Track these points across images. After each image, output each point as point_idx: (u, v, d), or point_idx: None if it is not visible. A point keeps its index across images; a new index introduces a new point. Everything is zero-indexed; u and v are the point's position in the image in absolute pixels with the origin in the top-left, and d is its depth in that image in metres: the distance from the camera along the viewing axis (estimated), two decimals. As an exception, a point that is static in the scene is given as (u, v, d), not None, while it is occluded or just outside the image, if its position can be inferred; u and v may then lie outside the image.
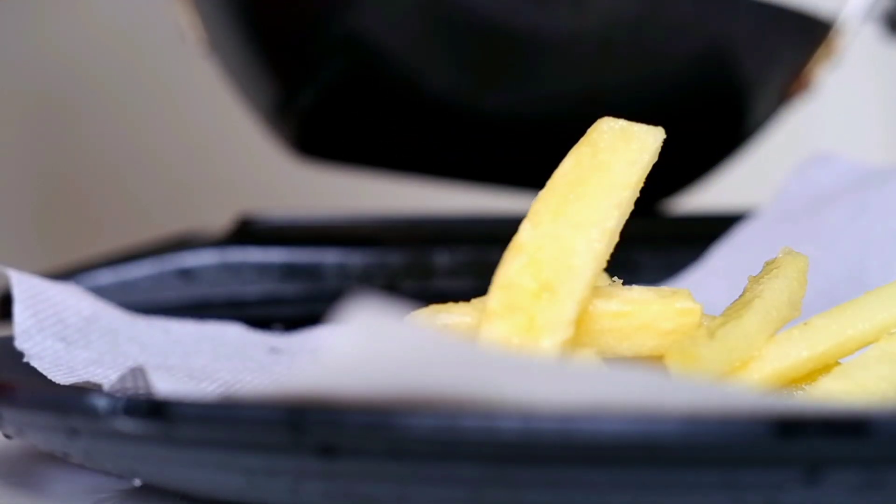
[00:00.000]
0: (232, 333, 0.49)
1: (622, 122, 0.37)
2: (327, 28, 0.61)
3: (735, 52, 0.62)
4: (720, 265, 0.54)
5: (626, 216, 0.37)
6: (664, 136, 0.37)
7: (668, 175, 0.66)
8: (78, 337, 0.45)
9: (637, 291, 0.37)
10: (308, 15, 0.61)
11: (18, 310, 0.44)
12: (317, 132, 0.65)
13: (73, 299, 0.46)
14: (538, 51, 0.59)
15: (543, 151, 0.62)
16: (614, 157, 0.37)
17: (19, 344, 0.43)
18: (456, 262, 0.60)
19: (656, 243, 0.60)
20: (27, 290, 0.45)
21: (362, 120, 0.63)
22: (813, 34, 0.64)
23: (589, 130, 0.37)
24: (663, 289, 0.37)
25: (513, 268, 0.35)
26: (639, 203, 0.68)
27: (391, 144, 0.64)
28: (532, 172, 0.63)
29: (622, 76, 0.60)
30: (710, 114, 0.64)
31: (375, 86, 0.61)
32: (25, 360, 0.42)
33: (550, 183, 0.37)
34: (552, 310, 0.34)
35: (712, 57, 0.61)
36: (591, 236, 0.35)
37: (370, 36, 0.60)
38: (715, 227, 0.60)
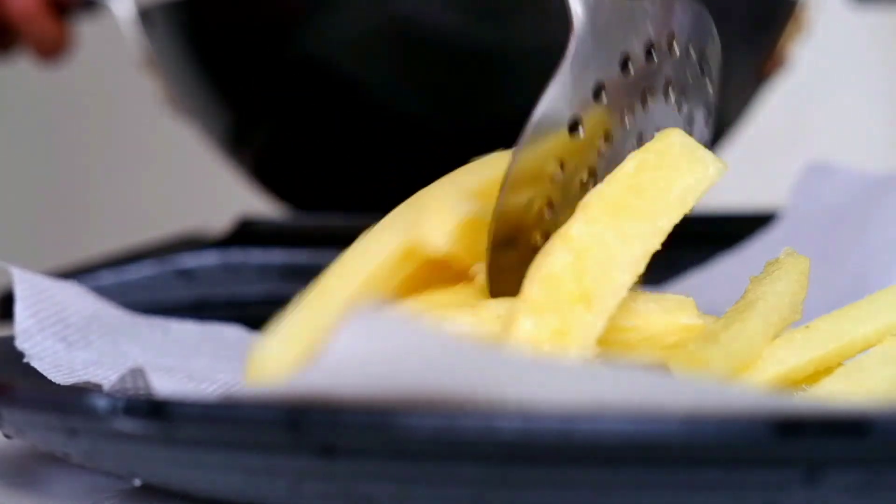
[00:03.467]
0: (232, 335, 0.49)
1: (692, 142, 0.37)
2: (278, 56, 0.61)
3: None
4: (726, 272, 0.54)
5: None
6: (727, 170, 0.37)
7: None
8: (78, 337, 0.45)
9: (642, 302, 0.36)
10: (258, 40, 0.61)
11: (19, 308, 0.44)
12: (276, 165, 0.65)
13: (74, 298, 0.46)
14: (507, 67, 0.59)
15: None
16: (676, 175, 0.36)
17: (19, 344, 0.43)
18: (456, 263, 0.60)
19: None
20: (29, 288, 0.45)
21: (325, 153, 0.63)
22: (778, 10, 0.64)
23: (658, 136, 0.37)
24: (668, 298, 0.37)
25: (558, 262, 0.35)
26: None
27: (361, 179, 0.63)
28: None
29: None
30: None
31: (336, 117, 0.61)
32: (25, 360, 0.42)
33: (611, 178, 0.36)
34: (585, 323, 0.34)
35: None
36: (636, 254, 0.35)
37: (326, 63, 0.60)
38: (715, 228, 0.60)
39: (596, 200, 0.36)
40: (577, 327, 0.34)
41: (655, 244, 0.35)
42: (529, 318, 0.34)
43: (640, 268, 0.35)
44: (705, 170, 0.37)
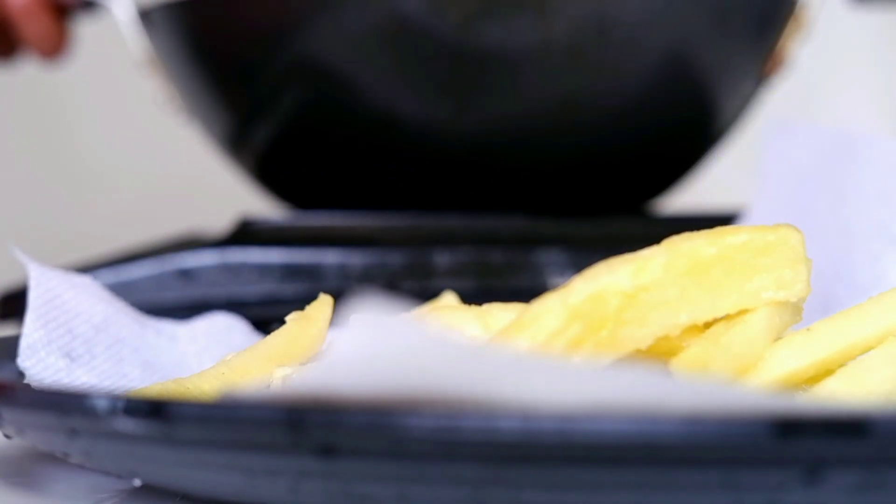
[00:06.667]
0: (239, 339, 0.50)
1: (803, 253, 0.36)
2: (278, 56, 0.60)
3: (703, 40, 0.61)
4: None
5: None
6: (809, 293, 0.36)
7: (655, 173, 0.66)
8: (83, 351, 0.44)
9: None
10: (258, 41, 0.61)
11: (30, 318, 0.44)
12: (276, 165, 0.65)
13: (86, 301, 0.45)
14: (508, 66, 0.59)
15: (525, 169, 0.62)
16: (766, 272, 0.35)
17: (22, 361, 0.43)
18: (456, 262, 0.60)
19: (655, 244, 0.60)
20: (44, 293, 0.44)
21: (325, 153, 0.63)
22: (778, 10, 0.64)
23: (780, 228, 0.36)
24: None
25: (616, 283, 0.34)
26: (629, 203, 0.69)
27: (362, 180, 0.63)
28: (515, 194, 0.63)
29: (594, 80, 0.60)
30: (688, 104, 0.64)
31: (336, 117, 0.61)
32: (26, 381, 0.42)
33: (716, 237, 0.35)
34: (604, 341, 0.34)
35: (681, 48, 0.61)
36: (681, 319, 0.34)
37: (325, 64, 0.60)
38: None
39: (688, 248, 0.35)
40: (594, 343, 0.34)
41: (702, 319, 0.35)
42: (559, 318, 0.34)
43: (675, 332, 0.35)
44: (793, 284, 0.36)
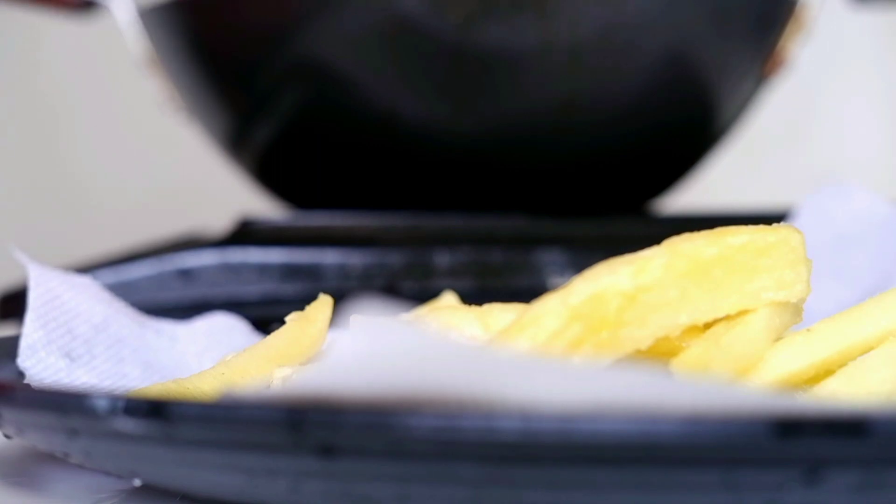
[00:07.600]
0: (239, 339, 0.50)
1: (804, 253, 0.36)
2: (278, 56, 0.60)
3: (703, 40, 0.61)
4: None
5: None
6: (809, 293, 0.36)
7: (655, 173, 0.66)
8: (83, 351, 0.45)
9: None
10: (258, 41, 0.61)
11: (30, 318, 0.44)
12: (276, 165, 0.65)
13: (86, 301, 0.46)
14: (509, 66, 0.59)
15: (525, 169, 0.62)
16: (767, 272, 0.35)
17: (22, 361, 0.43)
18: (456, 262, 0.60)
19: (655, 244, 0.60)
20: (43, 293, 0.44)
21: (325, 153, 0.63)
22: (778, 10, 0.64)
23: (781, 229, 0.36)
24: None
25: (616, 284, 0.34)
26: (629, 203, 0.69)
27: (362, 180, 0.63)
28: (515, 194, 0.63)
29: (594, 80, 0.60)
30: (688, 105, 0.64)
31: (336, 117, 0.61)
32: (26, 381, 0.42)
33: (715, 239, 0.35)
34: (603, 342, 0.34)
35: (681, 48, 0.61)
36: (681, 320, 0.34)
37: (325, 64, 0.60)
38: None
39: (688, 249, 0.35)
40: (594, 344, 0.34)
41: (702, 320, 0.35)
42: (559, 318, 0.34)
43: (675, 333, 0.35)
44: (793, 284, 0.36)
